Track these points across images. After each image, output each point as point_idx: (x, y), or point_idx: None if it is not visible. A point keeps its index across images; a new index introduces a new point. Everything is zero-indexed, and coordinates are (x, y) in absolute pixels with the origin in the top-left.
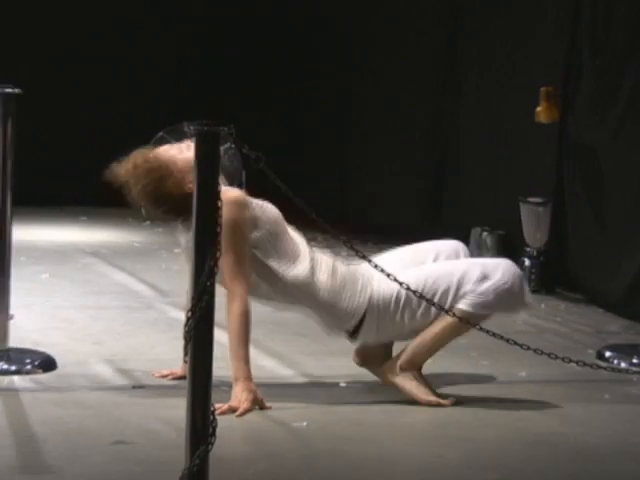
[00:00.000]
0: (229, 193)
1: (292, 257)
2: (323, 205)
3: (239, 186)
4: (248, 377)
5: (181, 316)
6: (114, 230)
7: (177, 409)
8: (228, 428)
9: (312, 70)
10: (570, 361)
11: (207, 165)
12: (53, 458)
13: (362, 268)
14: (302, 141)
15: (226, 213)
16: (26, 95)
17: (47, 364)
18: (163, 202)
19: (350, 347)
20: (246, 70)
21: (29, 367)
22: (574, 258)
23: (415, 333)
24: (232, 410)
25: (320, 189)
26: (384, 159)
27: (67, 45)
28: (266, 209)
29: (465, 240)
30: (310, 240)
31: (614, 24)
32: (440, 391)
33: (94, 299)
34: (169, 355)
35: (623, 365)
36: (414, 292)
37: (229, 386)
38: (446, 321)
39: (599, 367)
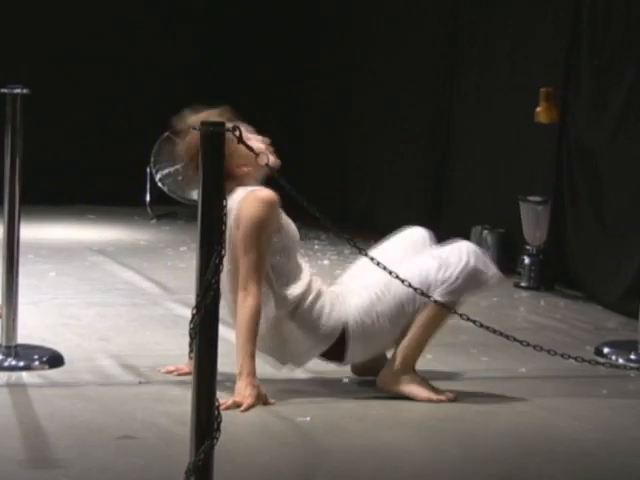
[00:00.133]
0: (261, 192)
1: (291, 278)
2: (323, 205)
3: None
4: (252, 373)
5: (186, 313)
6: (121, 228)
7: (182, 404)
8: (233, 423)
9: (312, 70)
10: (569, 357)
11: (212, 164)
12: (60, 452)
13: (340, 288)
14: (302, 141)
15: (256, 211)
16: (27, 95)
17: (54, 360)
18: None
19: None
20: (246, 70)
21: (37, 363)
22: (573, 256)
23: (397, 339)
24: (236, 405)
25: (320, 189)
26: (384, 159)
27: (67, 45)
28: (290, 224)
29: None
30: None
31: (613, 24)
32: (440, 387)
33: (101, 296)
34: (175, 351)
35: (621, 361)
36: (416, 289)
37: (234, 382)
38: (425, 317)
39: (597, 363)
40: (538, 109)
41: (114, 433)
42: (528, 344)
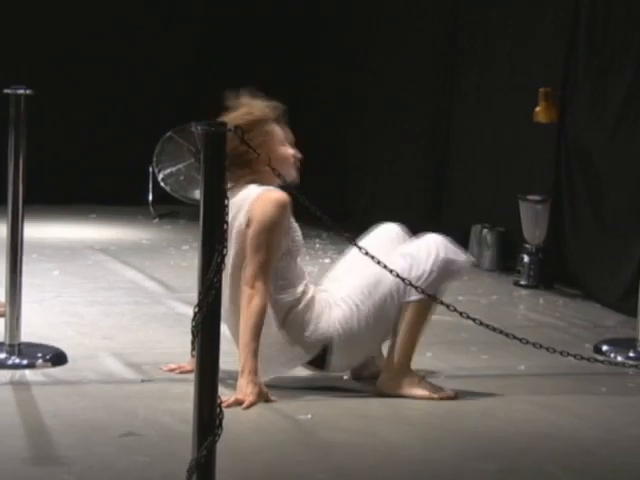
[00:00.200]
0: (274, 193)
1: (288, 283)
2: (323, 205)
3: None
4: (254, 371)
5: (189, 311)
6: (123, 228)
7: (185, 402)
8: (234, 420)
9: (312, 70)
10: (568, 355)
11: (214, 164)
12: (64, 449)
13: (326, 295)
14: (302, 141)
15: (268, 212)
16: (31, 95)
17: (58, 358)
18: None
19: None
20: (246, 70)
21: (40, 361)
22: (572, 254)
23: (382, 343)
24: (238, 403)
25: (320, 189)
26: (384, 159)
27: (67, 45)
28: (297, 229)
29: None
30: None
31: (612, 25)
32: (441, 384)
33: (104, 295)
34: (177, 349)
35: (619, 359)
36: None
37: (235, 379)
38: (410, 317)
39: (596, 361)
40: (537, 109)
41: (117, 431)
42: (527, 342)
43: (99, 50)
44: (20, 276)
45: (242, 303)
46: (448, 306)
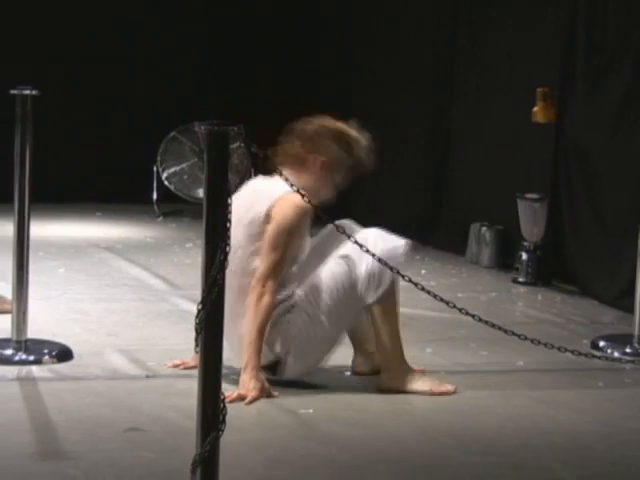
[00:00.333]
0: (297, 197)
1: (280, 285)
2: (323, 205)
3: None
4: (257, 367)
5: (192, 308)
6: (128, 226)
7: (189, 397)
8: (238, 415)
9: (312, 70)
10: (566, 350)
11: (217, 163)
12: (69, 445)
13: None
14: None
15: (289, 215)
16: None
17: (64, 354)
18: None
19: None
20: (246, 70)
21: (46, 357)
22: (570, 252)
23: (333, 350)
24: (241, 398)
25: None
26: (384, 159)
27: (67, 45)
28: (308, 239)
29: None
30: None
31: (611, 25)
32: (441, 380)
33: (109, 292)
34: (181, 346)
35: (616, 354)
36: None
37: (238, 375)
38: (378, 316)
39: (593, 356)
40: (535, 109)
41: (122, 426)
42: (526, 338)
43: (99, 50)
44: (27, 274)
45: (250, 300)
46: (447, 303)
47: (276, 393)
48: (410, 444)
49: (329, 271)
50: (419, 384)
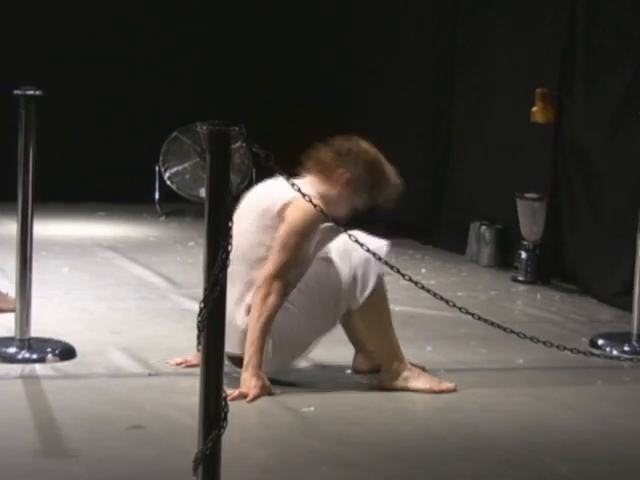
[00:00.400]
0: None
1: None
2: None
3: (249, 183)
4: (258, 365)
5: (194, 307)
6: (131, 225)
7: (191, 395)
8: (239, 413)
9: (312, 70)
10: (564, 349)
11: (219, 163)
12: (73, 442)
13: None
14: (302, 141)
15: (302, 217)
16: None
17: (67, 353)
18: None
19: None
20: (246, 70)
21: (50, 356)
22: (569, 251)
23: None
24: (243, 396)
25: None
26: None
27: (67, 45)
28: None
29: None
30: None
31: (610, 25)
32: (441, 378)
33: (112, 291)
34: (183, 344)
35: (615, 352)
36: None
37: (240, 373)
38: (367, 316)
39: (592, 354)
40: (534, 109)
41: (125, 424)
42: (525, 336)
43: (99, 50)
44: (30, 272)
45: (256, 299)
46: (447, 301)
47: (277, 391)
48: (410, 441)
49: (312, 272)
50: (419, 382)
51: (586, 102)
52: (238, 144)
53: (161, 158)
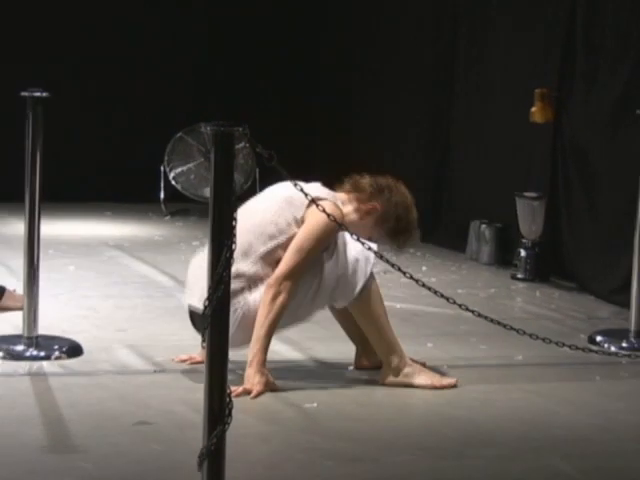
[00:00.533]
0: (332, 208)
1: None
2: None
3: (252, 183)
4: (262, 362)
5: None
6: (137, 224)
7: (195, 392)
8: (243, 409)
9: (312, 70)
10: (563, 345)
11: (223, 163)
12: (79, 438)
13: None
14: (302, 141)
15: (321, 222)
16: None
17: (74, 350)
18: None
19: None
20: (246, 70)
21: (57, 353)
22: (567, 249)
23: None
24: (247, 392)
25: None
26: (384, 159)
27: (67, 45)
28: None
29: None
30: None
31: (609, 25)
32: (442, 374)
33: (118, 289)
34: (188, 341)
35: (613, 349)
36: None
37: (244, 369)
38: (360, 313)
39: (590, 351)
40: (533, 109)
41: (131, 420)
42: (525, 333)
43: (99, 50)
44: (37, 271)
45: (266, 297)
46: (448, 299)
47: (281, 387)
48: (412, 437)
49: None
50: (420, 378)
51: (585, 102)
52: (242, 144)
53: (166, 158)
